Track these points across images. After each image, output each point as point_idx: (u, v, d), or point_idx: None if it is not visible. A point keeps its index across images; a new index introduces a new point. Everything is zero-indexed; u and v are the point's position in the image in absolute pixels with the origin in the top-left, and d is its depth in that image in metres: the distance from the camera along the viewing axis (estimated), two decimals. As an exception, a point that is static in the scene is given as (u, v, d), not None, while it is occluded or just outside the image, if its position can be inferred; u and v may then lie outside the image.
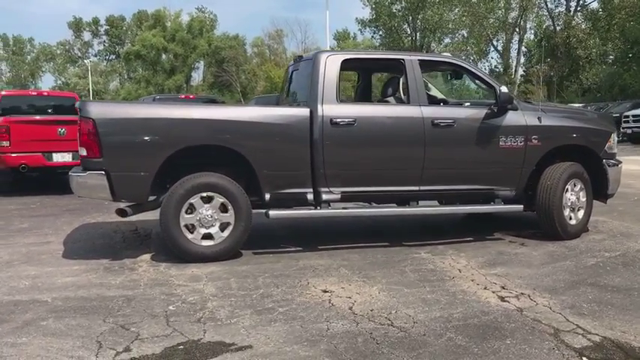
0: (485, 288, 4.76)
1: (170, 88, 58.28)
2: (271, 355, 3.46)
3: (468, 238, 6.52)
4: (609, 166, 6.51)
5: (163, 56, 63.86)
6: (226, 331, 3.82)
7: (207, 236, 5.53)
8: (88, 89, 60.66)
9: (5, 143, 9.74)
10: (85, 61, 67.55)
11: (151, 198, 5.73)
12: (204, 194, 5.48)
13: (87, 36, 76.73)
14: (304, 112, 5.71)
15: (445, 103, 6.82)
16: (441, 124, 5.95)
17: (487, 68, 49.19)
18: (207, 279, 5.02)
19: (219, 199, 5.50)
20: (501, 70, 46.58)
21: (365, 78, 7.41)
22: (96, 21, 74.60)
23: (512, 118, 6.13)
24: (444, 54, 7.11)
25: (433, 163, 5.97)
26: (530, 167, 6.24)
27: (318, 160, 5.70)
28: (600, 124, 6.66)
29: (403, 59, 6.13)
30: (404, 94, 6.18)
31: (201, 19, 66.21)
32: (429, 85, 7.25)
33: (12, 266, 5.48)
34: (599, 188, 6.61)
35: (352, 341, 3.65)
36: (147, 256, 5.78)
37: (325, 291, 4.70)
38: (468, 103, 6.69)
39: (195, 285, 4.85)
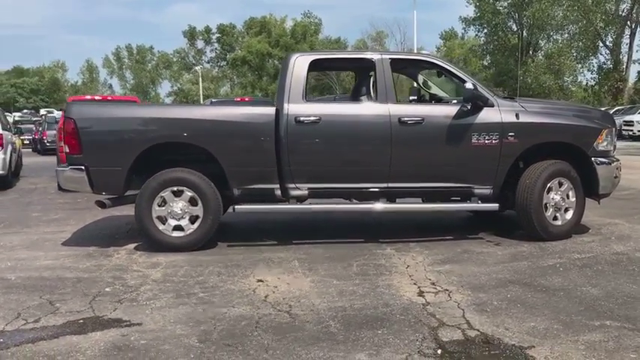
0: (414, 283, 4.79)
1: (274, 92, 59.82)
2: (151, 331, 3.78)
3: (448, 237, 6.47)
4: (599, 164, 6.19)
5: (268, 61, 66.00)
6: (133, 311, 4.18)
7: (178, 228, 5.93)
8: (199, 94, 63.97)
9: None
10: (197, 67, 71.26)
11: (134, 192, 6.21)
12: (175, 188, 5.89)
13: (200, 44, 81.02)
14: (270, 110, 5.97)
15: (446, 101, 6.80)
16: (409, 121, 5.97)
17: (595, 65, 46.21)
18: (164, 266, 5.41)
19: (188, 193, 5.90)
20: (611, 66, 43.60)
21: (358, 77, 7.51)
22: (208, 29, 78.55)
23: (486, 115, 6.03)
24: (422, 52, 7.06)
25: (401, 161, 6.01)
26: (507, 165, 6.09)
27: (284, 157, 5.94)
28: (590, 121, 6.33)
29: (373, 58, 6.21)
30: (373, 93, 6.25)
31: (304, 24, 67.79)
32: (429, 83, 7.26)
33: (12, 250, 6.18)
34: (592, 188, 6.30)
35: (234, 324, 3.89)
36: (132, 246, 6.27)
37: (260, 280, 4.95)
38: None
39: (147, 271, 5.26)
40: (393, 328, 3.78)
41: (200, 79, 65.07)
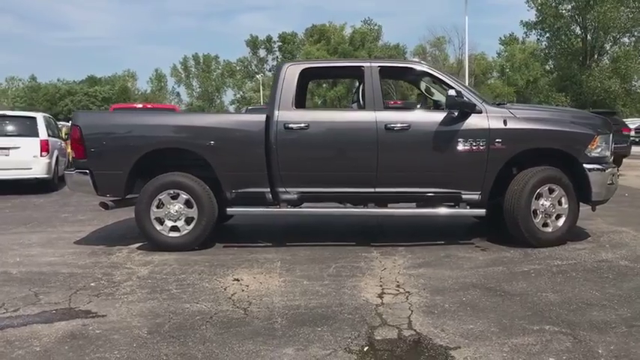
0: (380, 285, 4.92)
1: (332, 98, 60.77)
2: (110, 322, 4.08)
3: (440, 242, 6.53)
4: (592, 170, 6.10)
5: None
6: (105, 304, 4.51)
7: (174, 228, 6.27)
8: (260, 101, 65.25)
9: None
10: (258, 75, 72.68)
11: (136, 195, 6.59)
12: (171, 191, 6.23)
13: (262, 52, 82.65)
14: (260, 118, 6.22)
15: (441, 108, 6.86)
16: (395, 128, 6.09)
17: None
18: (154, 264, 5.74)
19: (184, 196, 6.23)
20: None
21: (360, 84, 7.64)
22: (269, 38, 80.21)
23: (473, 121, 6.07)
24: (412, 59, 7.12)
25: (387, 166, 6.13)
26: (495, 171, 6.10)
27: (274, 162, 6.17)
28: (582, 127, 6.24)
29: (362, 66, 6.37)
30: (361, 100, 6.40)
31: (363, 30, 68.06)
32: (432, 89, 7.33)
33: (27, 247, 6.67)
34: (585, 194, 6.23)
35: (188, 319, 4.14)
36: (136, 245, 6.64)
37: (236, 279, 5.19)
38: None
39: (137, 268, 5.60)
40: (334, 326, 3.94)
41: (261, 86, 66.37)
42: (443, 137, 6.10)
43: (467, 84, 33.10)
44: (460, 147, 6.06)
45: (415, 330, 3.85)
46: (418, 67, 6.65)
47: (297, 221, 7.97)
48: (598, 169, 6.14)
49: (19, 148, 11.86)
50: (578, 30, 50.94)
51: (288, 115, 6.18)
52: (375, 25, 72.32)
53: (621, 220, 7.71)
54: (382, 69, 6.38)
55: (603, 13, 42.31)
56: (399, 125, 6.10)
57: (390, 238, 6.74)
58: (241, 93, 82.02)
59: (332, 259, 5.84)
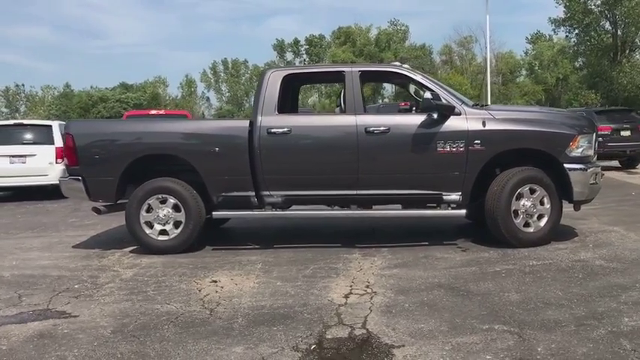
0: (350, 286, 5.02)
1: (367, 101, 60.48)
2: (80, 322, 4.28)
3: (424, 242, 6.59)
4: (573, 170, 6.09)
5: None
6: (81, 305, 4.71)
7: (163, 232, 6.47)
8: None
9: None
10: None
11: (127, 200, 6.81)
12: (160, 196, 6.43)
13: (289, 56, 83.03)
14: (244, 123, 6.39)
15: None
16: (375, 131, 6.19)
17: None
18: (141, 267, 5.95)
19: (171, 200, 6.42)
20: None
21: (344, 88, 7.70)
22: (297, 42, 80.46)
23: (452, 123, 6.13)
24: (393, 63, 7.17)
25: (368, 169, 6.23)
26: (475, 172, 6.14)
27: (258, 167, 6.33)
28: (563, 127, 6.23)
29: (343, 71, 6.49)
30: (343, 104, 6.51)
31: (389, 32, 67.84)
32: (420, 92, 7.39)
33: (27, 251, 6.96)
34: (567, 194, 6.23)
35: (154, 319, 4.31)
36: (129, 249, 6.86)
37: (214, 281, 5.36)
38: None
39: (123, 271, 5.81)
40: (290, 326, 4.06)
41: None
42: (422, 139, 6.17)
43: (489, 82, 32.46)
44: (439, 149, 6.12)
45: (367, 329, 3.95)
46: (397, 71, 6.71)
47: (288, 224, 8.10)
48: (579, 169, 6.13)
49: (35, 155, 12.28)
50: (608, 25, 49.90)
51: (271, 120, 6.32)
52: (403, 25, 72.19)
53: (616, 220, 7.65)
54: (363, 73, 6.48)
55: (632, 8, 41.40)
56: (378, 129, 6.19)
57: (376, 240, 6.83)
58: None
59: (312, 260, 5.97)
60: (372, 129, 6.20)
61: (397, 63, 7.15)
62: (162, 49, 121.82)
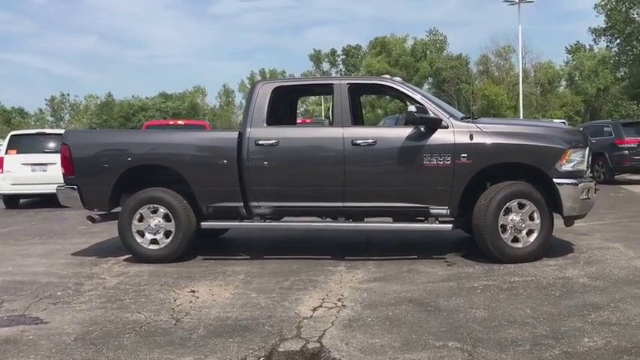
0: (323, 299, 5.02)
1: (393, 111, 60.54)
2: (48, 329, 4.39)
3: (412, 256, 6.53)
4: (562, 185, 5.96)
5: (388, 81, 66.40)
6: (56, 312, 4.83)
7: (154, 241, 6.58)
8: (322, 115, 65.94)
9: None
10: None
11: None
12: (151, 206, 6.55)
13: (326, 66, 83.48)
14: (232, 135, 6.47)
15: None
16: (362, 143, 6.19)
17: None
18: (127, 275, 6.06)
19: (162, 210, 6.53)
20: None
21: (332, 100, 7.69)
22: (333, 52, 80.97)
23: (438, 136, 6.08)
24: (383, 76, 7.14)
25: (354, 181, 6.23)
26: (462, 186, 6.07)
27: (246, 178, 6.39)
28: (553, 141, 6.10)
29: (332, 83, 6.51)
30: (330, 116, 6.52)
31: (425, 42, 67.58)
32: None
33: (27, 258, 7.15)
34: (558, 209, 6.09)
35: (118, 327, 4.39)
36: (123, 257, 6.98)
37: (192, 291, 5.42)
38: None
39: (109, 279, 5.93)
40: (247, 338, 4.08)
41: (322, 100, 67.05)
42: (408, 152, 6.13)
43: (521, 93, 31.89)
44: (426, 162, 6.08)
45: (321, 343, 3.94)
46: (385, 84, 6.69)
47: (283, 235, 8.12)
48: (570, 184, 5.99)
49: (56, 164, 12.55)
50: (650, 34, 48.65)
51: (260, 132, 6.38)
52: (441, 35, 71.78)
53: (619, 236, 7.44)
54: (351, 86, 6.49)
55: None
56: (365, 141, 6.18)
57: (367, 252, 6.80)
58: (304, 106, 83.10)
59: (295, 272, 5.98)
60: (358, 141, 6.19)
61: (387, 76, 7.14)
62: (203, 59, 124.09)
